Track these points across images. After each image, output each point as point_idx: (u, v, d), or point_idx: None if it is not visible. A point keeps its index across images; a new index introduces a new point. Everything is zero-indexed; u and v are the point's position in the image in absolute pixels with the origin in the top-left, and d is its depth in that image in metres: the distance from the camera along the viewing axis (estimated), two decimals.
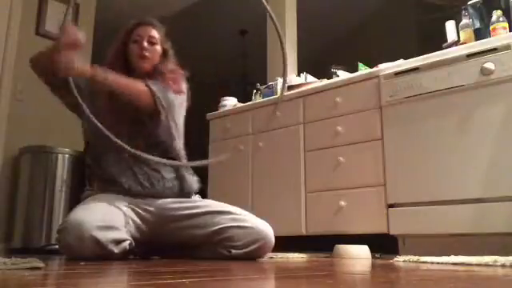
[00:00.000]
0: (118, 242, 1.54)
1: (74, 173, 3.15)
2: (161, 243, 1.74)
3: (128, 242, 1.58)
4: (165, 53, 1.89)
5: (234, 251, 1.65)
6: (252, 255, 1.67)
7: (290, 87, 3.03)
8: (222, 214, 1.72)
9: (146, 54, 1.81)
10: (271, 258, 1.85)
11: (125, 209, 1.66)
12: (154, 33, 1.87)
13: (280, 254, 2.02)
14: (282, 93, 1.88)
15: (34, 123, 3.30)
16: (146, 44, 1.82)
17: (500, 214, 1.97)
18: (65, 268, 1.28)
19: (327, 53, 5.09)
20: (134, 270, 1.16)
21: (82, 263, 1.32)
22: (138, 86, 1.70)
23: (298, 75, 3.35)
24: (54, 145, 3.16)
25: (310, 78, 3.12)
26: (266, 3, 1.73)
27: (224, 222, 1.68)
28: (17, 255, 1.30)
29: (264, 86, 3.28)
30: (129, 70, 1.81)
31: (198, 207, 1.75)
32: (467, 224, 2.05)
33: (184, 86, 1.88)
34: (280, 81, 3.20)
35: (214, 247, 1.68)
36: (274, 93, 3.12)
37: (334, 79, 2.78)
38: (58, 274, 1.09)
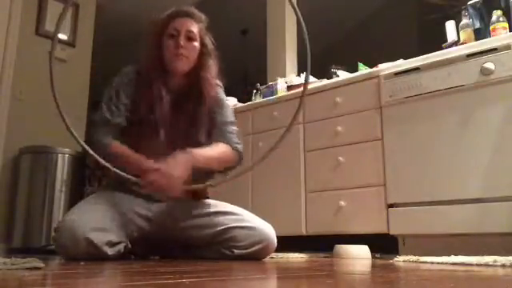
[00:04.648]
0: (113, 244, 1.53)
1: (74, 173, 3.16)
2: (163, 243, 1.73)
3: (123, 244, 1.57)
4: (204, 50, 1.69)
5: (236, 251, 1.64)
6: (255, 256, 1.66)
7: (290, 87, 3.03)
8: (226, 214, 1.70)
9: (183, 51, 1.62)
10: (271, 257, 1.85)
11: (126, 209, 1.63)
12: (193, 26, 1.66)
13: (280, 254, 2.02)
14: (305, 87, 1.83)
15: (33, 123, 3.30)
16: (182, 40, 1.62)
17: (500, 214, 1.97)
18: (65, 268, 1.28)
19: (327, 53, 5.09)
20: (133, 270, 1.16)
21: (82, 263, 1.32)
22: (227, 155, 1.67)
23: (298, 75, 3.35)
24: (54, 145, 3.16)
25: (310, 78, 3.12)
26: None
27: (227, 222, 1.67)
28: (17, 255, 1.30)
29: (264, 86, 3.28)
30: (164, 70, 1.67)
31: (202, 207, 1.73)
32: (467, 224, 2.04)
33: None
34: (280, 80, 3.20)
35: (217, 247, 1.67)
36: (274, 93, 3.12)
37: (334, 79, 2.78)
38: (57, 274, 1.09)
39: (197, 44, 1.67)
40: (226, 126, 1.74)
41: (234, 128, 1.77)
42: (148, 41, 1.71)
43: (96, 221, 1.51)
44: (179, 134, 1.66)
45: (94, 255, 1.47)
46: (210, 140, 1.70)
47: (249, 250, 1.64)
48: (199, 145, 1.63)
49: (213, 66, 1.72)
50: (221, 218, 1.69)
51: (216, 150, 1.65)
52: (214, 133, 1.72)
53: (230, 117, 1.78)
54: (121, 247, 1.55)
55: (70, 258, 1.50)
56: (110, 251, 1.50)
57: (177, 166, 1.49)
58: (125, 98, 1.66)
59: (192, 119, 1.69)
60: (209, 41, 1.72)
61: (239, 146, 1.73)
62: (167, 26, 1.66)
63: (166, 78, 1.68)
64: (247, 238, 1.64)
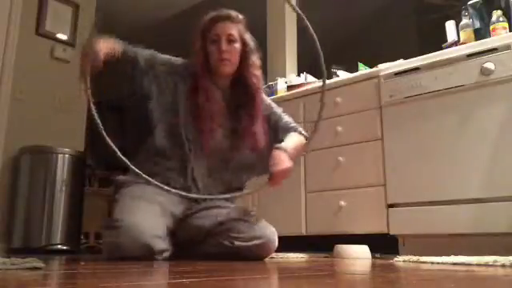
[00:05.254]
0: (163, 251, 1.59)
1: (74, 173, 3.15)
2: (175, 239, 1.76)
3: (169, 252, 1.63)
4: (245, 48, 1.78)
5: (236, 243, 1.68)
6: (254, 251, 1.69)
7: (290, 87, 3.03)
8: (229, 209, 1.79)
9: (226, 56, 1.73)
10: (271, 257, 1.85)
11: (168, 211, 1.70)
12: (233, 29, 1.76)
13: (280, 254, 2.02)
14: (324, 81, 1.88)
15: (33, 123, 3.29)
16: (224, 46, 1.73)
17: (500, 214, 1.97)
18: (65, 268, 1.28)
19: (327, 53, 5.08)
20: (134, 270, 1.16)
21: (82, 263, 1.32)
22: (301, 139, 1.86)
23: (298, 75, 3.35)
24: (54, 145, 3.16)
25: (310, 78, 3.12)
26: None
27: (231, 214, 1.74)
28: (17, 255, 1.30)
29: (264, 86, 3.27)
30: (211, 71, 1.77)
31: (212, 200, 1.80)
32: (467, 224, 2.05)
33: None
34: (280, 80, 3.20)
35: (218, 239, 1.70)
36: (274, 93, 3.12)
37: (334, 79, 2.78)
38: (57, 274, 1.09)
39: (238, 45, 1.77)
40: (282, 118, 1.91)
41: (287, 116, 1.94)
42: (194, 47, 1.79)
43: (157, 228, 1.60)
44: (235, 127, 1.79)
45: (145, 259, 1.52)
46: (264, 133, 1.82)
47: (248, 243, 1.67)
48: (254, 137, 1.78)
49: (256, 62, 1.82)
50: (223, 211, 1.76)
51: (294, 140, 1.82)
52: (280, 127, 1.88)
53: (278, 108, 1.95)
54: (167, 254, 1.62)
55: (116, 257, 1.53)
56: (159, 257, 1.57)
57: (286, 162, 1.69)
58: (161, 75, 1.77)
59: (246, 111, 1.80)
60: (249, 38, 1.81)
61: (302, 130, 1.91)
62: (209, 31, 1.76)
63: (214, 78, 1.79)
64: (248, 230, 1.69)
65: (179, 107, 1.76)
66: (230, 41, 1.75)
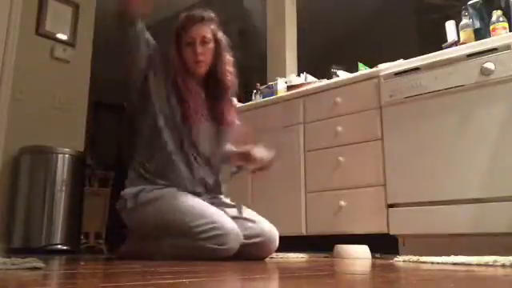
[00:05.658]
0: None
1: (74, 173, 3.15)
2: None
3: None
4: (218, 47, 1.89)
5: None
6: (254, 251, 1.71)
7: (290, 87, 3.03)
8: (230, 206, 1.84)
9: (201, 58, 1.84)
10: (271, 257, 1.85)
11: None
12: (207, 30, 1.86)
13: (280, 254, 2.02)
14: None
15: (33, 123, 3.30)
16: (199, 49, 1.83)
17: (500, 214, 1.97)
18: (65, 268, 1.28)
19: (327, 53, 5.08)
20: (134, 270, 1.16)
21: (82, 263, 1.32)
22: None
23: (298, 75, 3.34)
24: (54, 145, 3.16)
25: (310, 78, 3.12)
26: None
27: (232, 213, 1.77)
28: (17, 255, 1.30)
29: (264, 86, 3.27)
30: (188, 71, 1.86)
31: (216, 198, 1.87)
32: (467, 224, 2.05)
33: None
34: (280, 80, 3.20)
35: None
36: (274, 93, 3.12)
37: (334, 79, 2.78)
38: (57, 274, 1.09)
39: (211, 45, 1.87)
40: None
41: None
42: (171, 47, 1.87)
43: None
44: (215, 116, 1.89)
45: (229, 259, 1.62)
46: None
47: (248, 241, 1.70)
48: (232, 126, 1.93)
49: (229, 59, 1.93)
50: (227, 209, 1.79)
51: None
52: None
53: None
54: None
55: (219, 258, 1.59)
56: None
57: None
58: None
59: (221, 102, 1.92)
60: (221, 36, 1.91)
61: None
62: (185, 33, 1.85)
63: (190, 76, 1.87)
64: (247, 229, 1.72)
65: (171, 100, 1.82)
66: (204, 42, 1.85)
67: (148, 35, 1.80)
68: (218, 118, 1.88)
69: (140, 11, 1.72)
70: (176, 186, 1.77)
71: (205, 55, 1.84)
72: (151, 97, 1.80)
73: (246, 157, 1.90)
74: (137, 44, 1.76)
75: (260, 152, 1.89)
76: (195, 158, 1.82)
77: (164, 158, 1.79)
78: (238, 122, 1.99)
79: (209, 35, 1.86)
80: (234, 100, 2.06)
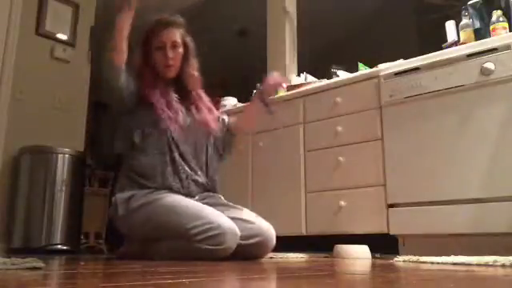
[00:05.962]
0: None
1: (74, 173, 3.15)
2: None
3: None
4: (186, 50, 1.94)
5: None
6: (252, 251, 1.70)
7: (290, 87, 3.03)
8: (229, 206, 1.84)
9: (171, 63, 1.88)
10: (271, 258, 1.85)
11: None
12: (175, 35, 1.90)
13: (280, 254, 2.02)
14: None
15: (33, 123, 3.30)
16: (170, 53, 1.87)
17: (500, 214, 1.97)
18: (65, 268, 1.28)
19: (327, 53, 5.08)
20: (134, 270, 1.16)
21: (82, 263, 1.32)
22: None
23: (298, 75, 3.34)
24: (54, 145, 3.16)
25: (310, 78, 3.12)
26: None
27: (228, 213, 1.75)
28: (17, 255, 1.30)
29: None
30: (157, 74, 1.90)
31: (212, 197, 1.88)
32: (467, 224, 2.04)
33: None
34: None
35: None
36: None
37: (334, 79, 2.78)
38: (58, 273, 1.09)
39: (181, 50, 1.91)
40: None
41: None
42: (139, 50, 1.91)
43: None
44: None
45: (226, 259, 1.62)
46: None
47: (245, 242, 1.70)
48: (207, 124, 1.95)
49: (194, 63, 1.97)
50: (223, 208, 1.78)
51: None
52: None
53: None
54: None
55: (217, 258, 1.59)
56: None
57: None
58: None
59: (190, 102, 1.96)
60: (189, 40, 1.96)
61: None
62: (154, 37, 1.88)
63: (159, 80, 1.92)
64: (245, 229, 1.71)
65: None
66: (174, 47, 1.89)
67: (127, 81, 1.81)
68: (192, 116, 1.91)
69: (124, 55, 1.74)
70: (166, 188, 1.77)
71: (175, 60, 1.89)
72: (131, 109, 1.85)
73: (265, 88, 1.99)
74: (121, 98, 1.81)
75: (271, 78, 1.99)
76: (182, 158, 1.83)
77: (150, 161, 1.80)
78: (217, 113, 2.04)
79: (179, 40, 1.90)
80: (203, 94, 2.06)
